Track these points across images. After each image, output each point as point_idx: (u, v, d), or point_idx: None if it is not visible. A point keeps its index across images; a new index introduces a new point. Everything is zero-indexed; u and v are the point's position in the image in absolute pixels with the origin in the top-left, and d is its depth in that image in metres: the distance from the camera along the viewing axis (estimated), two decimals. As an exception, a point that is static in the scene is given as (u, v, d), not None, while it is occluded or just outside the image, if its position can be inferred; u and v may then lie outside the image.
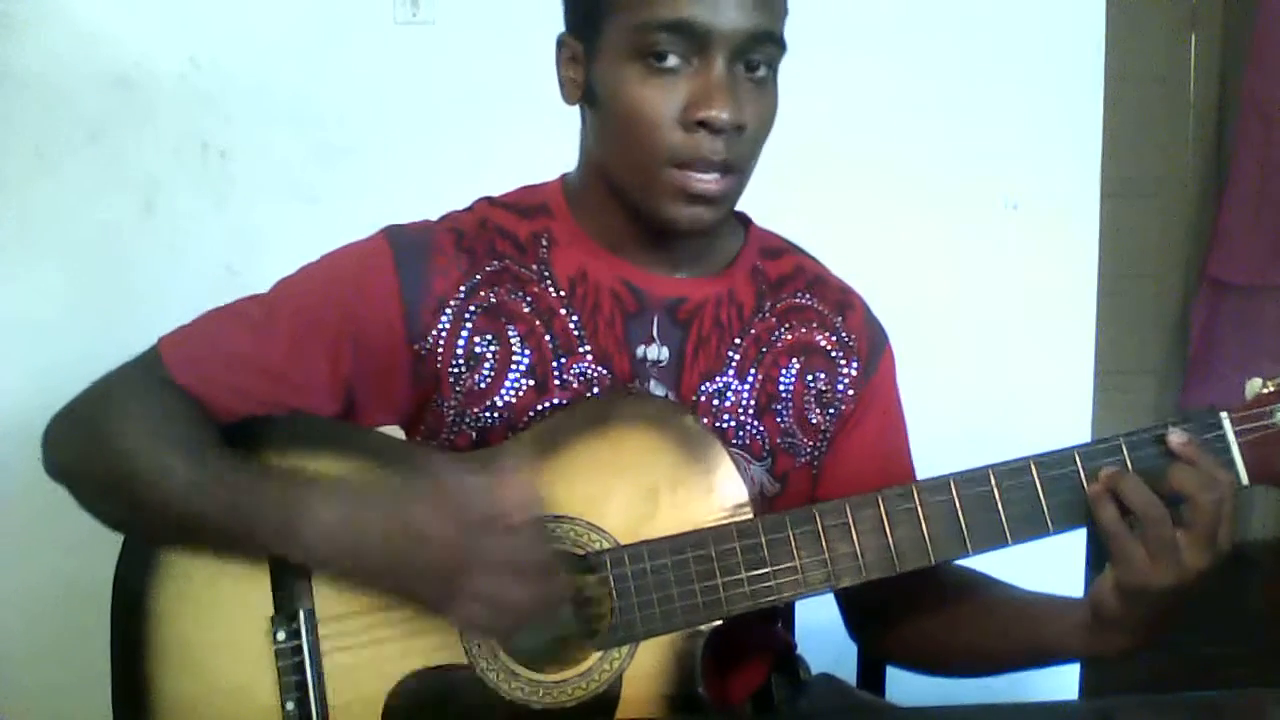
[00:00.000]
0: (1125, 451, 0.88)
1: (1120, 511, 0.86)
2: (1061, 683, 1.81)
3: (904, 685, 1.21)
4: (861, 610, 1.11)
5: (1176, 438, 0.87)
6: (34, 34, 1.68)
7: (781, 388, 1.05)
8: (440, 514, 0.85)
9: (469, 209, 1.07)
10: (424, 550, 0.85)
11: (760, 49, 0.93)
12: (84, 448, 0.97)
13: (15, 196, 1.70)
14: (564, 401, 1.00)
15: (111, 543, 0.98)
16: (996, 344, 1.91)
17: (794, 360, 1.05)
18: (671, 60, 0.91)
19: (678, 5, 0.89)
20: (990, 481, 0.90)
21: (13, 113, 1.69)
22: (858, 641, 1.14)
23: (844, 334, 1.08)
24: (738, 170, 0.95)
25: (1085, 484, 0.88)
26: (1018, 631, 0.98)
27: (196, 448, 0.93)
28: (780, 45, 0.95)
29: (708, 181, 0.93)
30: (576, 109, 1.03)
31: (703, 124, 0.91)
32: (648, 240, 1.02)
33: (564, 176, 1.08)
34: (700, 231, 0.97)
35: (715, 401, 1.02)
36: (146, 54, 1.70)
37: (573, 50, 0.98)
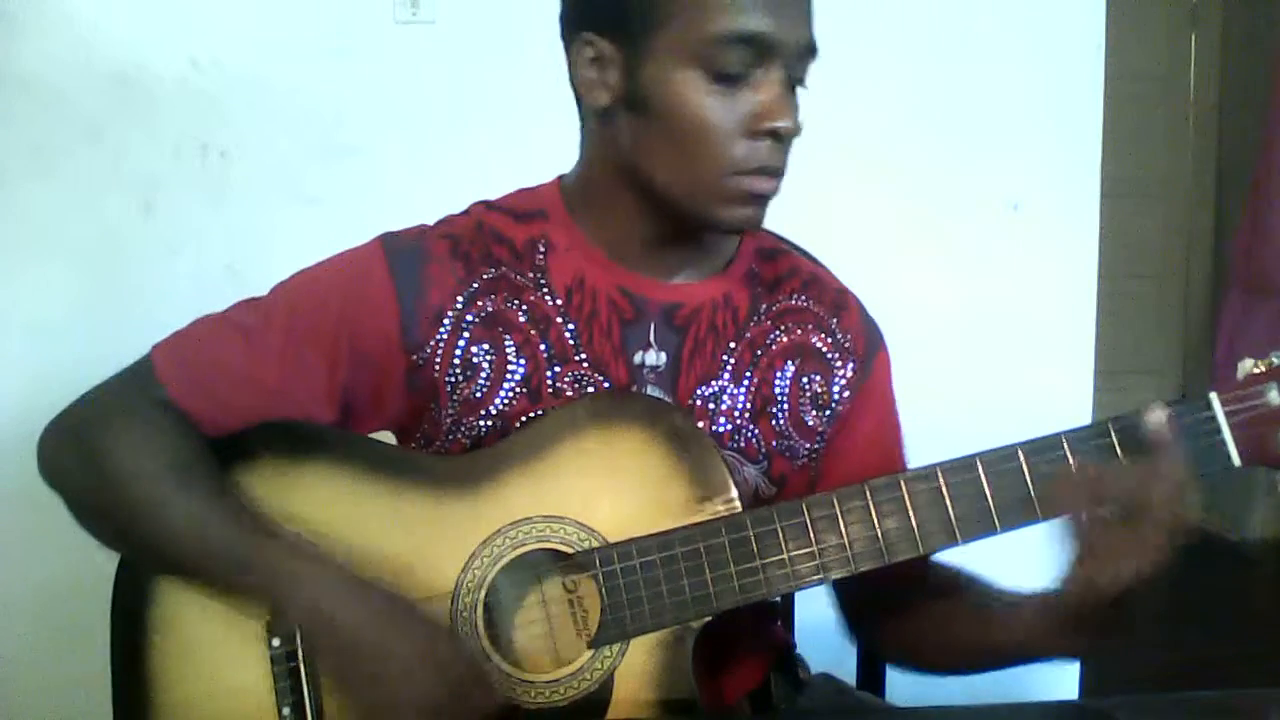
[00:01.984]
0: (1114, 435, 0.88)
1: (1079, 507, 0.85)
2: (1061, 683, 1.81)
3: (903, 685, 1.21)
4: (854, 606, 1.11)
5: (1156, 417, 0.86)
6: (34, 34, 1.68)
7: (777, 390, 1.05)
8: (420, 672, 0.86)
9: (465, 213, 1.06)
10: (377, 691, 0.87)
11: (809, 59, 0.95)
12: (74, 467, 0.97)
13: (15, 196, 1.70)
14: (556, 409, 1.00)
15: (112, 544, 0.98)
16: (997, 344, 1.91)
17: (789, 363, 1.05)
18: (738, 71, 0.91)
19: (748, 18, 0.90)
20: (978, 469, 0.89)
21: (13, 113, 1.69)
22: (852, 636, 1.14)
23: (839, 335, 1.08)
24: (783, 174, 0.96)
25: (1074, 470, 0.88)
26: (994, 631, 0.97)
27: (188, 484, 0.93)
28: (817, 56, 0.96)
29: (768, 183, 0.95)
30: (573, 110, 1.02)
31: (770, 134, 0.92)
32: (655, 244, 1.01)
33: (561, 179, 1.07)
34: (750, 229, 1.00)
35: (711, 405, 1.02)
36: (146, 54, 1.71)
37: (599, 50, 0.96)
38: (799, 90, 0.96)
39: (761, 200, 0.96)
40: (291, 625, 0.92)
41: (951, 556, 0.95)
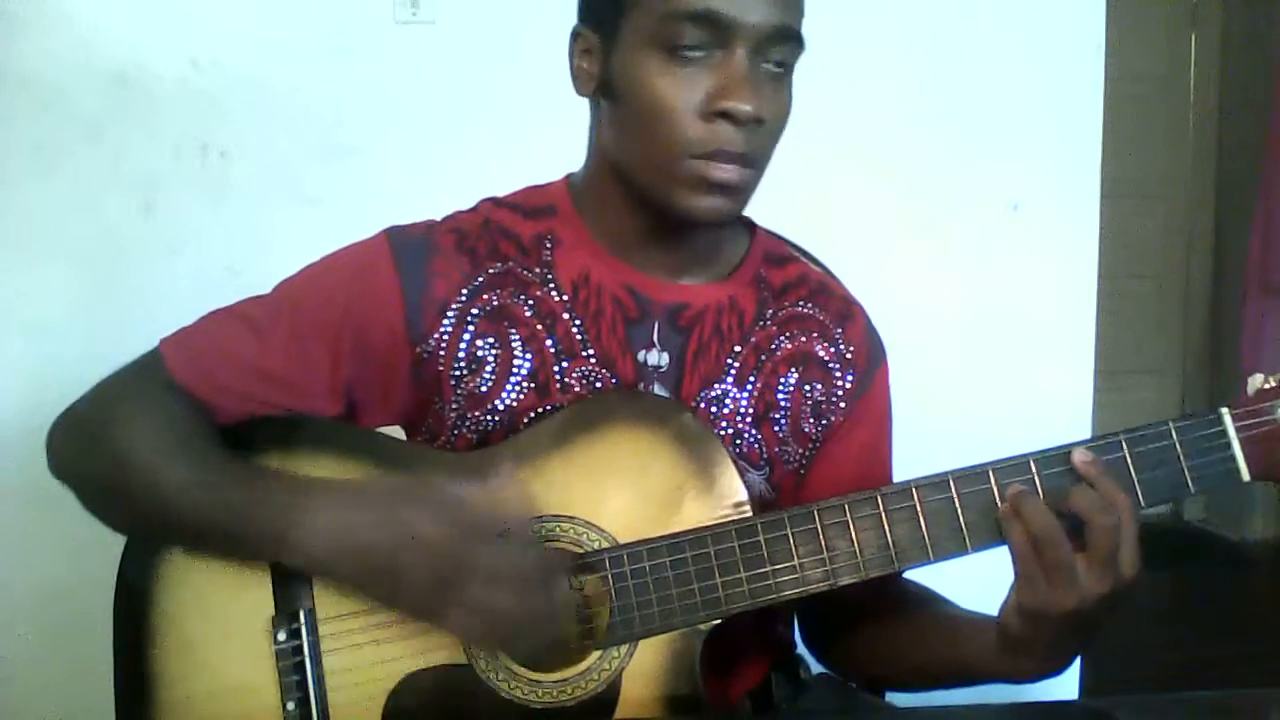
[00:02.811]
0: (1125, 449, 0.88)
1: (1028, 532, 0.85)
2: (1061, 683, 1.80)
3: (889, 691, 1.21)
4: (813, 623, 1.12)
5: (1079, 456, 0.86)
6: (34, 34, 1.68)
7: (780, 397, 1.05)
8: (433, 522, 0.86)
9: (472, 209, 1.07)
10: (416, 558, 0.86)
11: (782, 45, 0.93)
12: (86, 454, 0.97)
13: (15, 196, 1.70)
14: (564, 405, 1.00)
15: (114, 542, 0.98)
16: (997, 344, 1.91)
17: (793, 370, 1.05)
18: (693, 51, 0.91)
19: None
20: (989, 479, 0.89)
21: (13, 112, 1.69)
22: (811, 652, 1.15)
23: (842, 345, 1.08)
24: (755, 163, 0.95)
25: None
26: (943, 650, 0.98)
27: (197, 456, 0.94)
28: (800, 43, 0.95)
29: (727, 171, 0.92)
30: (578, 109, 1.03)
31: (724, 115, 0.91)
32: (653, 241, 1.01)
33: (569, 176, 1.07)
34: (716, 222, 0.97)
35: (714, 408, 1.02)
36: (146, 54, 1.70)
37: (588, 42, 0.98)
38: (781, 79, 0.94)
39: (727, 190, 0.94)
40: (312, 560, 0.90)
41: (962, 565, 0.95)
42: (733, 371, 1.03)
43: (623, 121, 0.96)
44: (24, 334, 1.72)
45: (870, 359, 1.10)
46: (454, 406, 1.01)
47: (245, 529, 0.91)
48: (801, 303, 1.08)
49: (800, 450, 1.06)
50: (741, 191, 0.95)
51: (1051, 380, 1.91)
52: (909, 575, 1.06)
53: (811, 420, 1.06)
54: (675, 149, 0.92)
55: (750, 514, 0.93)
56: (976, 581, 1.00)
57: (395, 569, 0.87)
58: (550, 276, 1.02)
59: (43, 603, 1.73)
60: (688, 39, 0.90)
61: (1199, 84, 3.70)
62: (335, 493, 0.91)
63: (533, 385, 1.00)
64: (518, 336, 1.01)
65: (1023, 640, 0.88)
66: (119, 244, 1.73)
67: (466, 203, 1.08)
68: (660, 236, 1.01)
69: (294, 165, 1.75)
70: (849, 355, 1.08)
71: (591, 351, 1.01)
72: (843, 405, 1.08)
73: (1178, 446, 0.88)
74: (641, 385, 1.01)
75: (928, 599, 1.05)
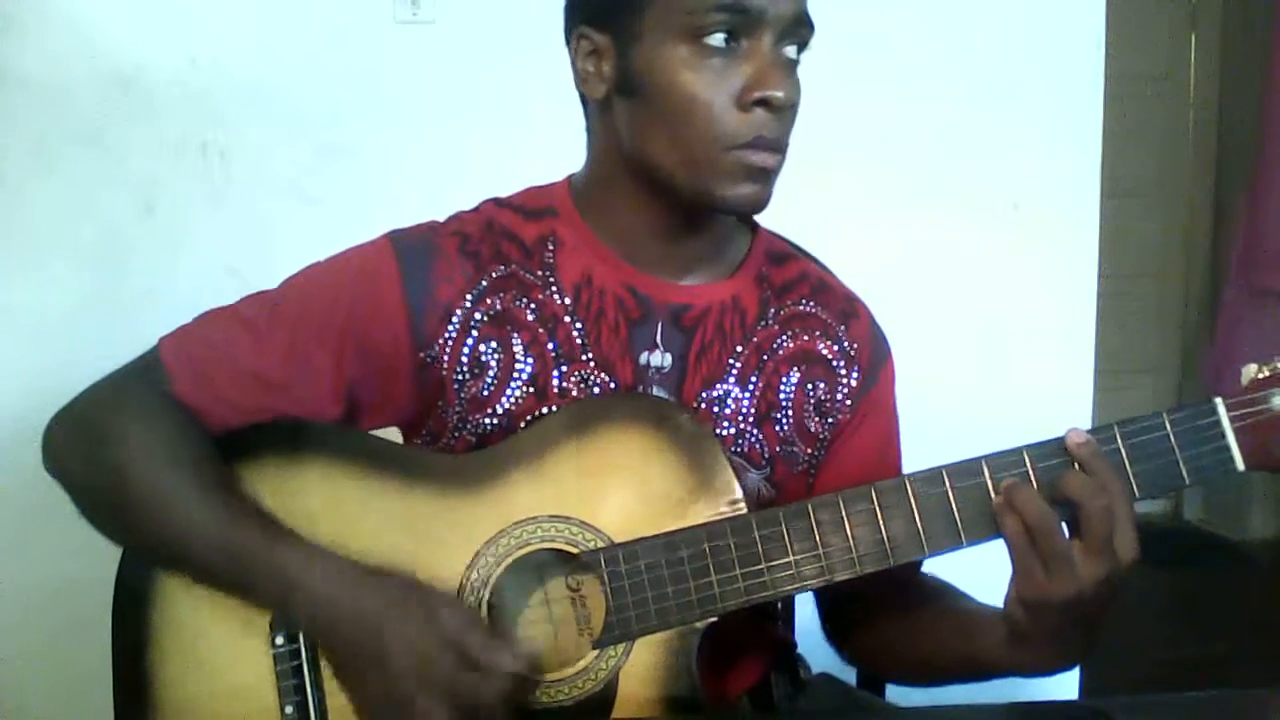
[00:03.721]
0: (1119, 441, 0.88)
1: (1023, 523, 0.85)
2: (1061, 683, 1.80)
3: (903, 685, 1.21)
4: (832, 614, 1.12)
5: (1073, 437, 0.86)
6: (34, 34, 1.68)
7: (782, 396, 1.04)
8: (425, 656, 0.86)
9: (475, 210, 1.06)
10: (389, 673, 0.86)
11: (801, 30, 0.94)
12: (81, 461, 0.97)
13: (15, 196, 1.70)
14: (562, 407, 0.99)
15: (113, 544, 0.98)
16: (996, 344, 1.91)
17: (795, 369, 1.05)
18: (720, 42, 0.91)
19: None
20: (983, 472, 0.89)
21: (13, 113, 1.69)
22: (830, 643, 1.15)
23: (846, 343, 1.08)
24: (784, 149, 0.95)
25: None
26: (955, 643, 0.97)
27: (198, 492, 0.93)
28: (813, 28, 0.96)
29: (765, 157, 0.93)
30: (578, 109, 1.02)
31: (762, 103, 0.91)
32: (659, 241, 1.01)
33: (570, 177, 1.07)
34: (753, 210, 0.97)
35: (715, 409, 1.02)
36: (146, 54, 1.70)
37: (595, 43, 0.97)
38: (795, 63, 0.95)
39: (763, 176, 0.94)
40: (295, 620, 0.92)
41: (958, 560, 0.95)
42: (734, 371, 1.03)
43: (651, 119, 0.95)
44: (24, 334, 1.72)
45: (875, 356, 1.10)
46: (456, 410, 1.01)
47: (241, 576, 0.91)
48: (803, 301, 1.08)
49: (808, 450, 1.06)
50: (774, 177, 0.96)
51: (1051, 380, 1.91)
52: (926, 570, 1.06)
53: (817, 419, 1.06)
54: (715, 141, 0.92)
55: (745, 512, 0.92)
56: (987, 577, 1.00)
57: (367, 673, 0.88)
58: (552, 279, 1.02)
59: (42, 604, 1.73)
60: (715, 29, 0.91)
61: (1199, 84, 3.70)
62: (346, 572, 0.90)
63: (532, 389, 1.00)
64: (520, 341, 1.01)
65: (1027, 632, 0.87)
66: (119, 244, 1.73)
67: (466, 203, 1.07)
68: (667, 235, 1.01)
69: (294, 165, 1.75)
70: (853, 352, 1.08)
71: (590, 355, 1.01)
72: (849, 403, 1.08)
73: (1172, 438, 0.87)
74: (640, 388, 1.01)
75: (943, 592, 1.05)
